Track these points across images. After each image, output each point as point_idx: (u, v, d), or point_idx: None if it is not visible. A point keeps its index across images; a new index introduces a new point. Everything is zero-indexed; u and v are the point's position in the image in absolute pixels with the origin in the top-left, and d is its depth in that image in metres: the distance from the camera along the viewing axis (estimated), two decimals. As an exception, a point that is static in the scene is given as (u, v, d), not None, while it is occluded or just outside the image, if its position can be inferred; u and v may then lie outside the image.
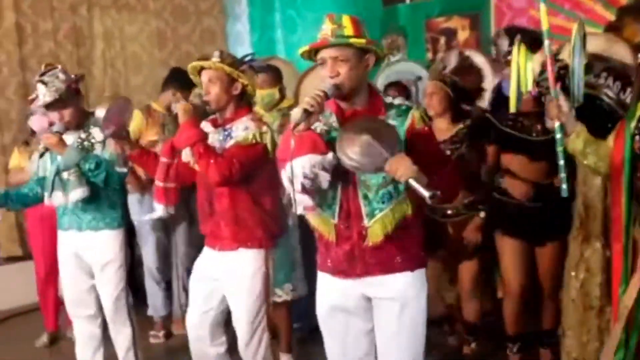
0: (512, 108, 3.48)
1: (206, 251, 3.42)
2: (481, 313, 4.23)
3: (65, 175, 3.64)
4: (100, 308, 3.91)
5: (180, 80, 4.80)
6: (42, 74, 3.64)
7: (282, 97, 4.87)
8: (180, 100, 4.42)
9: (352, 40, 2.52)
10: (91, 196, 3.69)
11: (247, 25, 7.82)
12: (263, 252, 3.30)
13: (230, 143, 3.18)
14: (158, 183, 3.33)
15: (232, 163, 3.10)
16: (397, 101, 2.64)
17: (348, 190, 2.59)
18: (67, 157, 3.61)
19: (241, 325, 3.33)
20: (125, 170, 3.64)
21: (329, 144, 2.51)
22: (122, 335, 3.90)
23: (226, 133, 3.23)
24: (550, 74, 3.04)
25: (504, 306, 4.00)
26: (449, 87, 3.95)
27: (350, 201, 2.59)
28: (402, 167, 2.35)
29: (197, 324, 3.38)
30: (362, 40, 2.54)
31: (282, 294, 4.13)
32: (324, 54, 2.55)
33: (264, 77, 4.81)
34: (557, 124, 3.08)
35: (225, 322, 3.47)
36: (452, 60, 4.21)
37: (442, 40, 6.65)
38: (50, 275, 5.01)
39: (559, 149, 3.12)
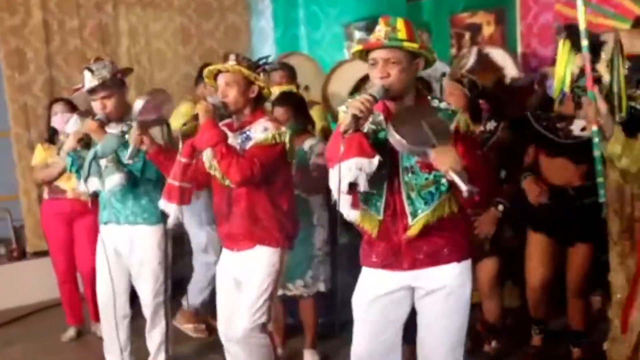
0: (556, 106, 3.50)
1: (224, 253, 3.42)
2: (502, 312, 4.21)
3: (102, 162, 3.65)
4: (129, 308, 3.96)
5: None
6: (90, 64, 3.70)
7: (297, 94, 4.87)
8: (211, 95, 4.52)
9: (406, 44, 2.57)
10: (130, 189, 3.72)
11: (271, 21, 7.80)
12: (279, 250, 3.32)
13: (250, 144, 3.19)
14: (173, 182, 3.27)
15: (254, 163, 3.12)
16: (444, 105, 2.67)
17: (394, 188, 2.64)
18: (105, 143, 3.61)
19: (241, 317, 3.31)
20: (131, 162, 3.58)
21: (376, 145, 2.55)
22: (156, 331, 3.93)
23: (244, 136, 3.25)
24: (588, 75, 3.01)
25: (526, 294, 4.07)
26: (466, 87, 3.93)
27: (396, 199, 2.64)
28: (448, 158, 2.39)
29: (228, 328, 3.38)
30: (415, 45, 2.58)
31: (292, 289, 4.16)
32: (376, 55, 2.61)
33: (281, 74, 4.85)
34: (594, 128, 3.04)
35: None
36: (471, 59, 4.18)
37: (467, 35, 6.58)
38: (69, 273, 5.03)
39: (596, 153, 3.08)
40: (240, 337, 3.30)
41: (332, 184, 2.58)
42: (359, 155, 2.51)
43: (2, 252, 6.16)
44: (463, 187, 2.34)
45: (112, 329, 3.94)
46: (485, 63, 5.34)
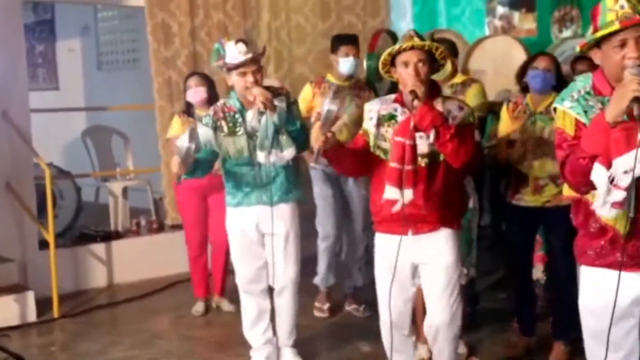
0: None
1: (388, 240, 3.18)
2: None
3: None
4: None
5: (349, 41, 4.88)
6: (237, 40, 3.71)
7: (455, 71, 4.64)
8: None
9: None
10: (283, 168, 3.74)
11: (410, -4, 7.65)
12: (458, 232, 3.24)
13: (452, 123, 3.05)
14: (404, 167, 3.04)
15: (473, 143, 3.06)
16: None
17: None
18: (280, 116, 3.58)
19: (441, 307, 3.19)
20: (315, 165, 3.45)
21: None
22: (291, 309, 3.92)
23: None
24: None
25: None
26: None
27: None
28: None
29: (398, 314, 3.25)
30: None
31: None
32: (627, 35, 2.26)
33: None
34: None
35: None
36: None
37: (623, 12, 6.14)
38: (202, 247, 5.13)
39: None
40: (442, 329, 3.21)
41: (598, 179, 2.24)
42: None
43: (142, 223, 6.26)
44: None
45: (258, 306, 3.93)
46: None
